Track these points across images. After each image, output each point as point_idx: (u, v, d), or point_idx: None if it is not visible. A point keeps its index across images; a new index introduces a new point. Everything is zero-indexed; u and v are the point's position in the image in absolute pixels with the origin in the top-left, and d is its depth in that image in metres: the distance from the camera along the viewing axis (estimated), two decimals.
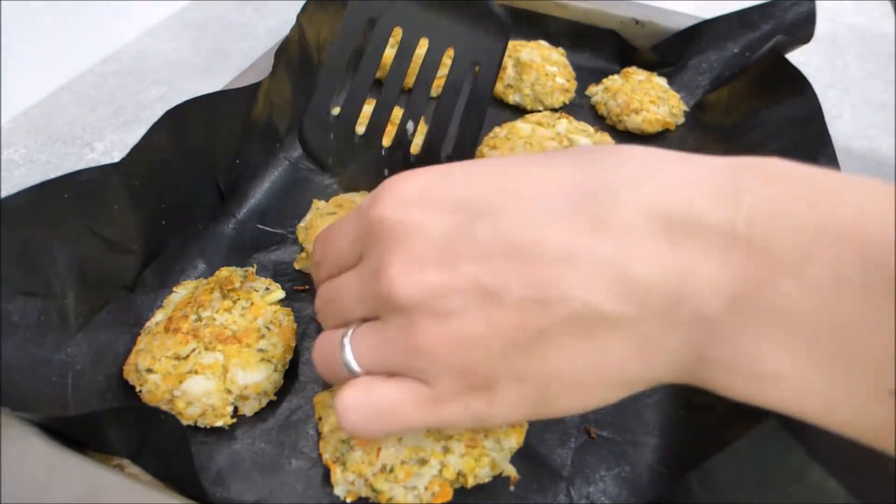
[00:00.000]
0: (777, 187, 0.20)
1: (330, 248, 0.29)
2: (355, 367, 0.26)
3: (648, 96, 0.58)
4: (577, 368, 0.23)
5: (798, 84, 0.51)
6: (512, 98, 0.61)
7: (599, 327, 0.22)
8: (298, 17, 0.51)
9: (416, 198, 0.25)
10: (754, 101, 0.55)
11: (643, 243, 0.21)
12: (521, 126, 0.52)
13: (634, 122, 0.57)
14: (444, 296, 0.23)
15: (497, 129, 0.53)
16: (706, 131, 0.58)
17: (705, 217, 0.21)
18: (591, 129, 0.52)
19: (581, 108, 0.61)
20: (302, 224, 0.43)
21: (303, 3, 0.52)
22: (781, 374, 0.20)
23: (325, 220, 0.41)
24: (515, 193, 0.23)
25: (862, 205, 0.19)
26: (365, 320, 0.26)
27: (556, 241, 0.22)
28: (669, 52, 0.63)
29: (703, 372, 0.22)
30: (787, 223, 0.19)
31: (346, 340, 0.26)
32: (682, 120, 0.59)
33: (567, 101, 0.61)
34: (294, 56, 0.51)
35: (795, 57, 0.54)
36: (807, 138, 0.47)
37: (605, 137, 0.53)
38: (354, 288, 0.27)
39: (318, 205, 0.43)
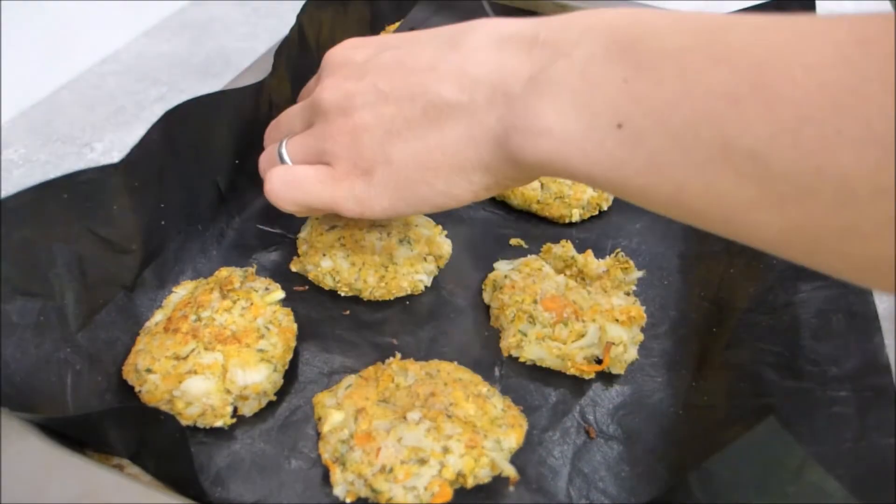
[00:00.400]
0: (576, 14, 0.29)
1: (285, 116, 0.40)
2: (286, 157, 0.35)
3: None
4: (428, 148, 0.31)
5: None
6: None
7: (445, 114, 0.30)
8: (298, 17, 0.51)
9: (348, 45, 0.36)
10: None
11: (481, 53, 0.30)
12: None
13: None
14: (352, 97, 0.33)
15: None
16: None
17: (522, 32, 0.29)
18: None
19: None
20: (302, 234, 0.43)
21: (303, 3, 0.52)
22: (552, 127, 0.27)
23: (325, 233, 0.41)
24: (413, 37, 0.34)
25: (621, 12, 0.27)
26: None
27: (428, 57, 0.31)
28: None
29: (508, 140, 0.29)
30: (570, 26, 0.28)
31: (284, 142, 0.36)
32: None
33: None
34: (294, 56, 0.51)
35: None
36: None
37: None
38: (297, 111, 0.38)
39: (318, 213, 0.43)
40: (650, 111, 0.24)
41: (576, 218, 0.48)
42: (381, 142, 0.32)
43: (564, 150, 0.27)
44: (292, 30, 0.50)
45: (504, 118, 0.29)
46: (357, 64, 0.34)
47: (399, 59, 0.32)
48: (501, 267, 0.43)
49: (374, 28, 0.63)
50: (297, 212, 0.36)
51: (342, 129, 0.33)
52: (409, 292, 0.41)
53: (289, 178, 0.34)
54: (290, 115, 0.39)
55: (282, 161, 0.35)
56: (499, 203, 0.49)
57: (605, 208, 0.49)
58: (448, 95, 0.30)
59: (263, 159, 0.38)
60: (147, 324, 0.37)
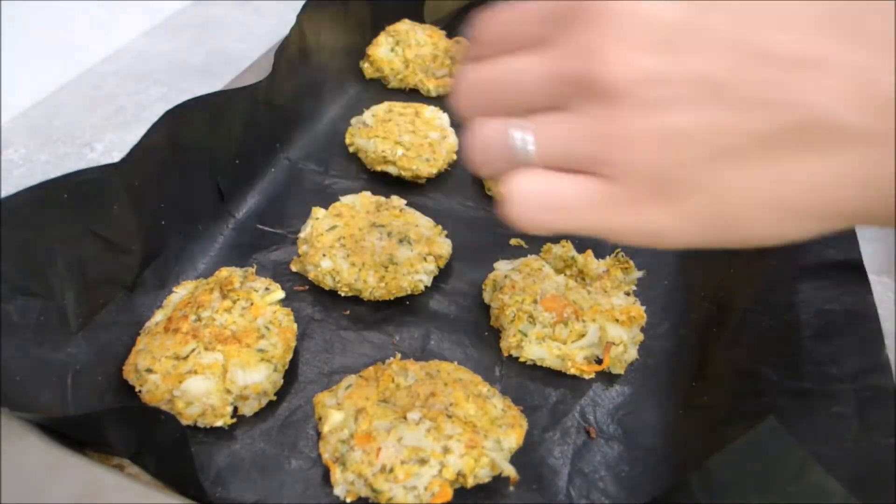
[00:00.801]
0: None
1: (504, 26, 0.25)
2: (532, 150, 0.23)
3: None
4: (785, 183, 0.21)
5: None
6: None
7: (828, 140, 0.20)
8: (298, 17, 0.51)
9: None
10: None
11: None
12: None
13: None
14: (660, 84, 0.21)
15: None
16: None
17: None
18: None
19: None
20: (302, 234, 0.43)
21: (303, 3, 0.52)
22: None
23: (325, 233, 0.41)
24: None
25: None
26: (533, 111, 0.23)
27: (799, 43, 0.19)
28: None
29: None
30: None
31: (520, 127, 0.23)
32: None
33: None
34: (294, 56, 0.51)
35: None
36: None
37: None
38: (539, 71, 0.23)
39: (318, 213, 0.43)
40: None
41: None
42: (707, 162, 0.21)
43: None
44: (292, 30, 0.50)
45: None
46: (665, 25, 0.21)
47: (741, 31, 0.20)
48: (501, 267, 0.43)
49: (374, 28, 0.63)
50: (542, 233, 0.25)
51: (642, 131, 0.21)
52: (409, 292, 0.41)
53: (547, 200, 0.23)
54: (523, 76, 0.24)
55: (518, 155, 0.24)
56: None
57: None
58: (847, 118, 0.19)
59: (481, 143, 0.24)
60: (147, 324, 0.37)
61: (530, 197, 0.23)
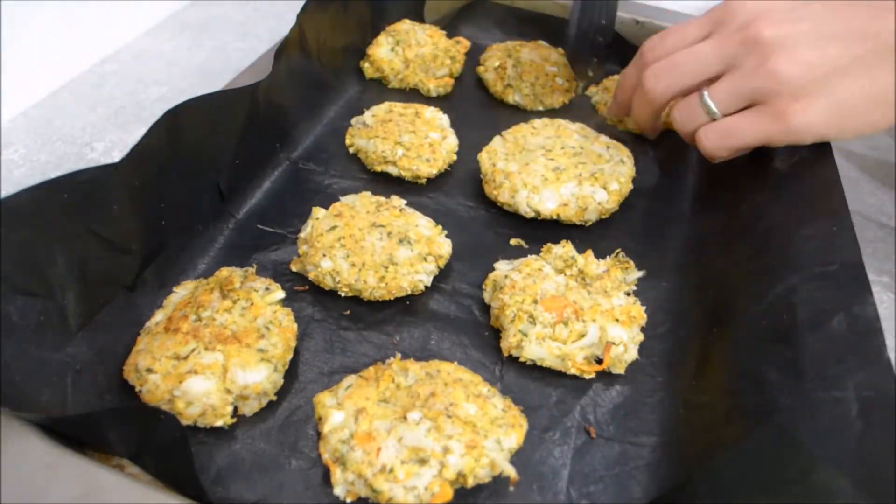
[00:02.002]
0: None
1: (674, 35, 0.42)
2: (713, 106, 0.39)
3: None
4: (877, 85, 0.35)
5: None
6: (512, 98, 0.61)
7: (878, 55, 0.35)
8: (298, 17, 0.51)
9: None
10: None
11: None
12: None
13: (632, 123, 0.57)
14: (793, 35, 0.36)
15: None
16: None
17: None
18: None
19: (581, 109, 0.61)
20: (302, 234, 0.43)
21: (303, 3, 0.52)
22: None
23: (325, 233, 0.42)
24: None
25: None
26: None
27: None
28: None
29: None
30: None
31: (705, 92, 0.39)
32: None
33: (567, 102, 0.61)
34: (294, 56, 0.51)
35: None
36: None
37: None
38: (711, 48, 0.39)
39: (318, 213, 0.43)
40: None
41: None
42: (828, 78, 0.36)
43: None
44: (292, 30, 0.50)
45: None
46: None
47: None
48: (501, 267, 0.43)
49: (374, 28, 0.63)
50: (729, 156, 0.42)
51: (788, 65, 0.36)
52: (409, 292, 0.41)
53: (724, 132, 0.39)
54: (698, 53, 0.40)
55: (708, 110, 0.40)
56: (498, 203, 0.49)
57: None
58: None
59: (683, 112, 0.41)
60: (147, 324, 0.37)
61: (714, 135, 0.39)
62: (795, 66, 0.36)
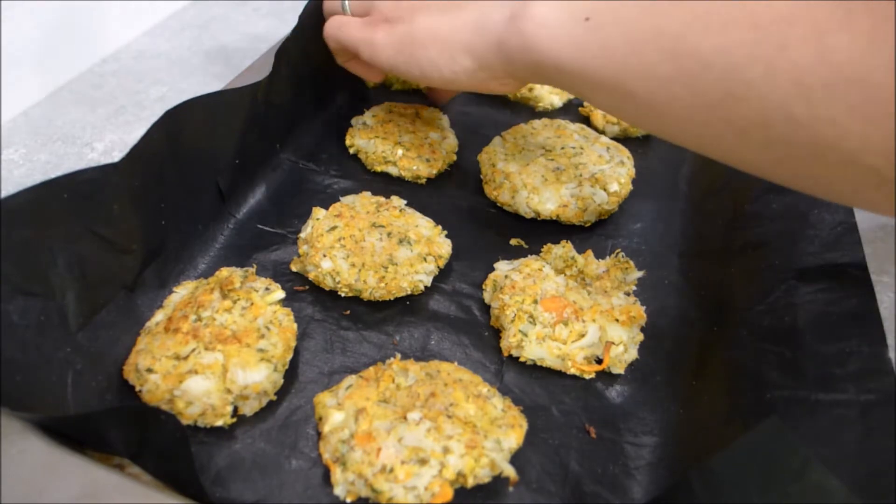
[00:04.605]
0: None
1: None
2: (347, 7, 0.47)
3: None
4: (440, 23, 0.40)
5: None
6: (511, 95, 0.61)
7: (465, 4, 0.40)
8: (300, 17, 0.51)
9: None
10: None
11: None
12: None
13: (615, 130, 0.57)
14: None
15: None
16: None
17: None
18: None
19: (581, 109, 0.61)
20: (303, 235, 0.43)
21: (303, 3, 0.52)
22: (537, 15, 0.35)
23: (325, 234, 0.42)
24: None
25: None
26: None
27: None
28: None
29: (506, 30, 0.37)
30: None
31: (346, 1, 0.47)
32: None
33: (566, 101, 0.61)
34: (295, 57, 0.51)
35: None
36: None
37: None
38: None
39: (318, 213, 0.43)
40: (610, 9, 0.33)
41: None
42: (414, 9, 0.42)
43: (559, 45, 0.34)
44: (294, 30, 0.50)
45: (508, 14, 0.37)
46: None
47: None
48: (501, 267, 0.43)
49: None
50: (336, 51, 0.50)
51: None
52: (409, 292, 0.41)
53: (339, 23, 0.47)
54: None
55: (343, 11, 0.47)
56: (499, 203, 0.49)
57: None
58: None
59: (327, 6, 0.49)
60: (148, 323, 0.37)
61: (333, 22, 0.47)
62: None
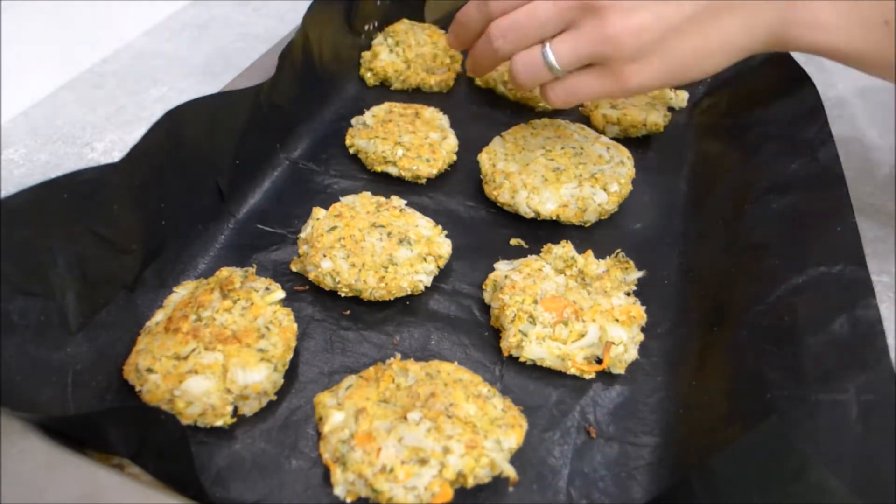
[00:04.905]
0: None
1: None
2: (555, 63, 0.40)
3: (633, 101, 0.58)
4: (707, 41, 0.39)
5: (799, 82, 0.51)
6: (499, 89, 0.61)
7: (724, 10, 0.38)
8: (304, 18, 0.51)
9: None
10: (754, 100, 0.55)
11: None
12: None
13: (615, 130, 0.57)
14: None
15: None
16: (704, 131, 0.58)
17: None
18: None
19: (581, 108, 0.61)
20: (303, 235, 0.43)
21: (303, 3, 0.52)
22: (827, 23, 0.38)
23: (325, 234, 0.42)
24: None
25: None
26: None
27: None
28: None
29: (786, 32, 0.39)
30: None
31: (548, 48, 0.40)
32: (666, 122, 0.58)
33: None
34: (297, 58, 0.51)
35: (796, 56, 0.54)
36: (807, 139, 0.47)
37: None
38: (549, 8, 0.39)
39: (318, 213, 0.43)
40: None
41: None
42: (663, 39, 0.38)
43: (837, 41, 0.38)
44: (298, 32, 0.50)
45: (784, 14, 0.39)
46: None
47: None
48: (501, 267, 0.43)
49: (379, 30, 0.63)
50: (572, 107, 0.50)
51: (623, 30, 0.38)
52: (409, 292, 0.41)
53: (569, 89, 0.41)
54: (539, 14, 0.40)
55: (548, 65, 0.40)
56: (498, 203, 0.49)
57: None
58: None
59: (523, 63, 0.41)
60: (148, 323, 0.37)
61: (561, 91, 0.41)
62: (630, 30, 0.37)
